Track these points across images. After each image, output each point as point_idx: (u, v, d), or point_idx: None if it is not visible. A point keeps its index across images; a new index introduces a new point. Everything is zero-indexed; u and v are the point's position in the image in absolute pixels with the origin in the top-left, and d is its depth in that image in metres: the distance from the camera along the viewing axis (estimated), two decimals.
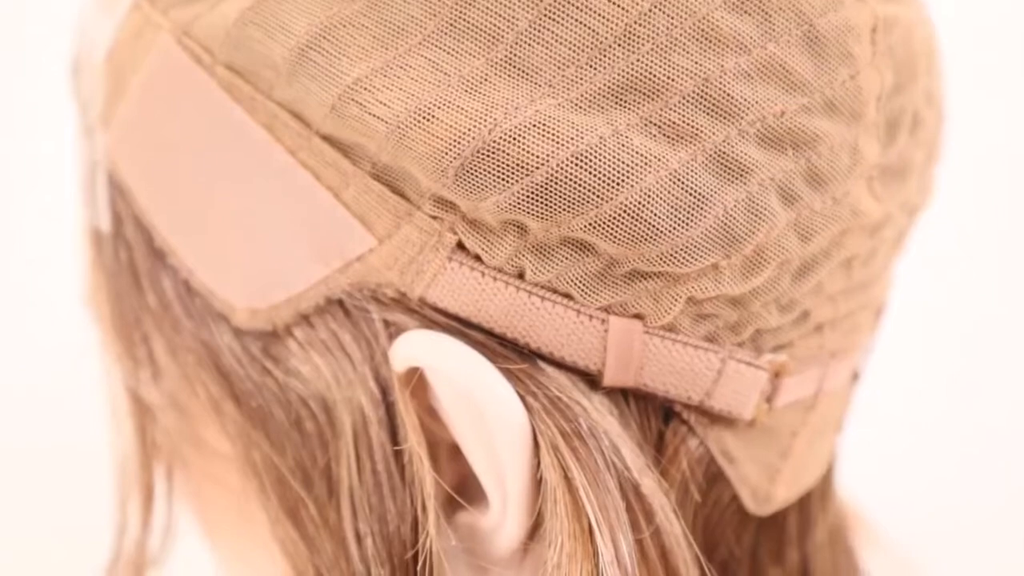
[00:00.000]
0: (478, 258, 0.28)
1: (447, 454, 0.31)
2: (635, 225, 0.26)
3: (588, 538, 0.27)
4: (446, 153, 0.26)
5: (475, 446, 0.29)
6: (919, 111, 0.31)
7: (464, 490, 0.31)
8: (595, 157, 0.26)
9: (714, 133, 0.26)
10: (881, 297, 0.34)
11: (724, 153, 0.27)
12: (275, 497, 0.31)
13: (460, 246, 0.28)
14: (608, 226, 0.27)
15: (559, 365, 0.29)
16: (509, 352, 0.29)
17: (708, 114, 0.26)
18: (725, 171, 0.27)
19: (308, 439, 0.31)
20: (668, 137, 0.26)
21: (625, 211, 0.26)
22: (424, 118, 0.27)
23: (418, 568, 0.29)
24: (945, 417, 0.70)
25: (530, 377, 0.28)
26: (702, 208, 0.27)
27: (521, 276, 0.28)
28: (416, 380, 0.29)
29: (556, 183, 0.26)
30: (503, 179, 0.26)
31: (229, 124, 0.30)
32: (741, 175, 0.27)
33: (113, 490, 0.37)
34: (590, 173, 0.26)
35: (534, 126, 0.26)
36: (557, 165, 0.26)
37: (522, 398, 0.28)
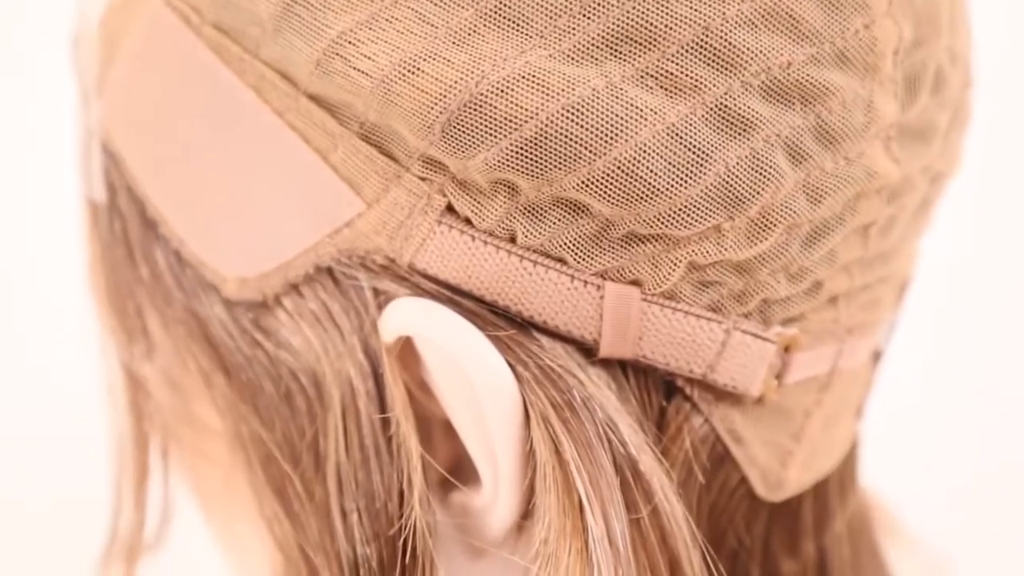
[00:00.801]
0: (468, 221, 0.27)
1: (441, 431, 0.30)
2: (630, 183, 0.25)
3: (578, 514, 0.25)
4: (432, 107, 0.25)
5: (465, 419, 0.28)
6: (942, 69, 0.29)
7: (459, 470, 0.30)
8: (587, 110, 0.25)
9: (715, 85, 0.25)
10: (904, 271, 0.32)
11: (726, 106, 0.25)
12: (261, 472, 0.30)
13: (450, 209, 0.27)
14: (602, 184, 0.25)
15: (554, 335, 0.28)
16: (501, 321, 0.27)
17: (709, 65, 0.25)
18: (727, 126, 0.25)
19: (297, 413, 0.30)
20: (666, 89, 0.25)
21: (619, 168, 0.25)
22: (409, 71, 0.25)
23: (406, 547, 0.28)
24: (979, 409, 0.68)
25: (521, 346, 0.27)
26: (702, 165, 0.25)
27: (513, 240, 0.27)
28: (407, 352, 0.28)
29: (546, 138, 0.25)
30: (491, 134, 0.25)
31: (217, 86, 0.29)
32: (744, 130, 0.25)
33: (110, 471, 0.36)
34: (582, 127, 0.25)
35: (523, 78, 0.25)
36: (547, 118, 0.25)
37: (512, 368, 0.27)
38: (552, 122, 0.25)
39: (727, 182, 0.25)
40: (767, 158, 0.26)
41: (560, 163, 0.25)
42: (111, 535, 0.36)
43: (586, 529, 0.25)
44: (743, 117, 0.25)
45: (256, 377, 0.31)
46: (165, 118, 0.31)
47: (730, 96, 0.25)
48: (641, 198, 0.25)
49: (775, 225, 0.26)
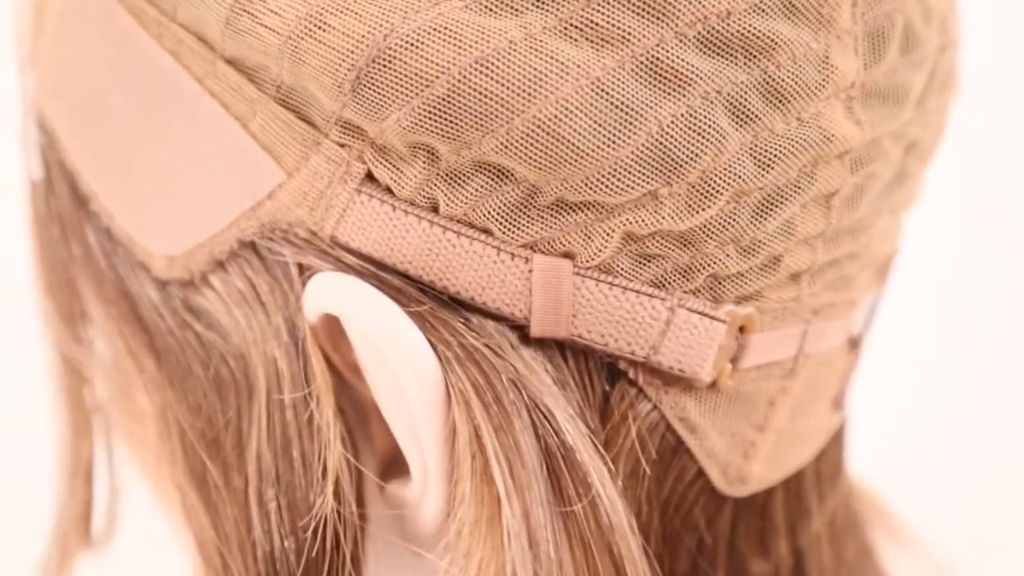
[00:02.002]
0: (389, 191, 0.25)
1: (378, 419, 0.28)
2: (552, 143, 0.23)
3: (496, 506, 0.23)
4: (340, 64, 0.24)
5: (390, 403, 0.26)
6: (913, 26, 0.26)
7: (398, 461, 0.28)
8: (502, 63, 0.23)
9: (645, 36, 0.23)
10: (880, 249, 0.30)
11: (658, 60, 0.23)
12: (184, 461, 0.29)
13: (370, 177, 0.25)
14: (522, 145, 0.23)
15: (485, 313, 0.26)
16: (428, 298, 0.25)
17: (638, 14, 0.23)
18: (659, 81, 0.23)
19: (225, 398, 0.28)
20: (591, 41, 0.23)
21: (540, 127, 0.23)
22: (316, 26, 0.24)
23: (325, 541, 0.26)
24: (982, 404, 0.65)
25: (444, 323, 0.25)
26: (632, 124, 0.23)
27: (435, 210, 0.25)
28: (337, 332, 0.26)
29: (459, 95, 0.23)
30: (402, 92, 0.23)
31: (138, 53, 0.28)
32: (679, 86, 0.23)
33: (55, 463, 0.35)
34: (496, 82, 0.23)
35: (435, 30, 0.23)
36: (459, 74, 0.23)
37: (434, 347, 0.25)
38: (464, 77, 0.23)
39: (661, 143, 0.23)
40: (706, 117, 0.23)
41: (476, 123, 0.23)
42: (56, 528, 0.35)
43: (503, 522, 0.23)
44: (677, 71, 0.23)
45: (186, 360, 0.29)
46: (90, 88, 0.29)
47: (662, 48, 0.23)
48: (566, 160, 0.23)
49: (719, 192, 0.24)
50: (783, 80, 0.24)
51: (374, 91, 0.24)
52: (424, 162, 0.24)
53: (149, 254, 0.29)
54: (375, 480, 0.27)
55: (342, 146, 0.25)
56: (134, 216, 0.30)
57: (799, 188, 0.25)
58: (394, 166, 0.25)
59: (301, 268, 0.27)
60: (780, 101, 0.24)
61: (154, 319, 0.30)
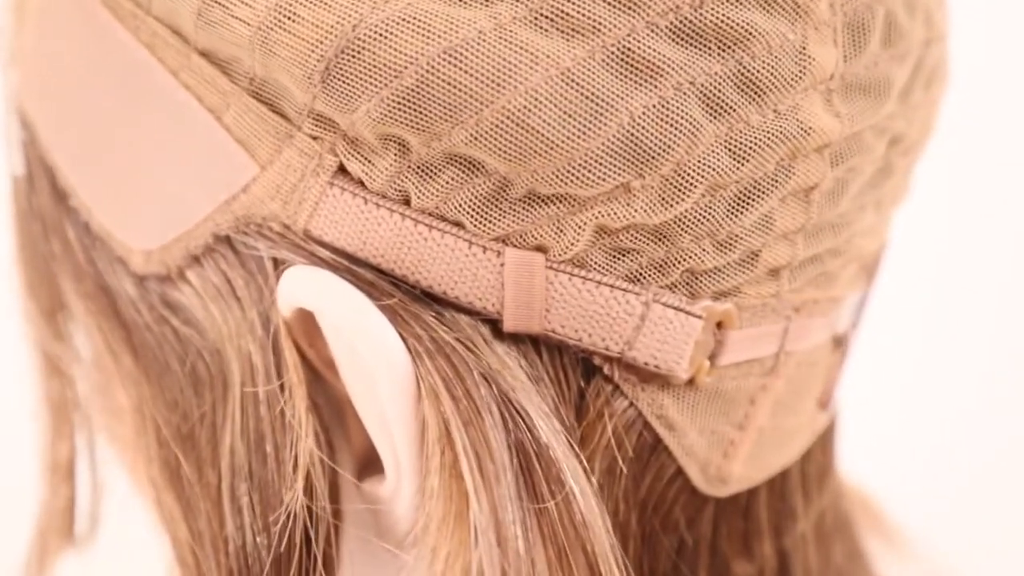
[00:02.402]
0: (361, 183, 0.25)
1: (355, 416, 0.28)
2: (522, 135, 0.23)
3: (465, 502, 0.23)
4: (310, 55, 0.23)
5: (363, 398, 0.26)
6: (895, 18, 0.26)
7: (375, 458, 0.28)
8: (471, 53, 0.22)
9: (616, 26, 0.23)
10: (865, 246, 0.29)
11: (629, 50, 0.23)
12: (159, 458, 0.28)
13: (343, 170, 0.25)
14: (492, 137, 0.23)
15: (458, 307, 0.25)
16: (401, 292, 0.25)
17: (609, 4, 0.23)
18: (630, 71, 0.23)
19: (201, 394, 0.28)
20: (562, 31, 0.23)
21: (509, 118, 0.23)
22: (286, 17, 0.24)
23: (295, 539, 0.26)
24: (979, 407, 0.64)
25: (416, 317, 0.25)
26: (602, 114, 0.23)
27: (407, 203, 0.25)
28: (312, 326, 0.26)
29: (428, 85, 0.23)
30: (371, 83, 0.23)
31: (114, 46, 0.28)
32: (651, 77, 0.23)
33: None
34: (465, 72, 0.22)
35: (404, 20, 0.23)
36: (427, 64, 0.22)
37: (405, 340, 0.24)
38: (433, 68, 0.22)
39: (633, 134, 0.23)
40: (679, 108, 0.23)
41: (445, 114, 0.23)
42: (35, 526, 0.35)
43: (471, 518, 0.23)
44: (649, 62, 0.23)
45: (163, 356, 0.29)
46: (68, 82, 0.29)
47: (634, 38, 0.23)
48: (536, 152, 0.23)
49: (693, 185, 0.24)
50: (758, 71, 0.24)
51: (344, 82, 0.23)
52: (395, 154, 0.24)
53: (127, 249, 0.29)
54: (350, 478, 0.27)
55: (314, 139, 0.25)
56: (111, 211, 0.29)
57: (777, 182, 0.25)
58: (366, 158, 0.25)
59: (276, 262, 0.27)
60: (756, 93, 0.24)
61: (132, 314, 0.30)
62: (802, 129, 0.24)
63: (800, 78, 0.24)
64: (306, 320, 0.26)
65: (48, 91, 0.30)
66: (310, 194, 0.25)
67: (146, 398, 0.29)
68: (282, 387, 0.26)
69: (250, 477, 0.27)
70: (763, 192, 0.25)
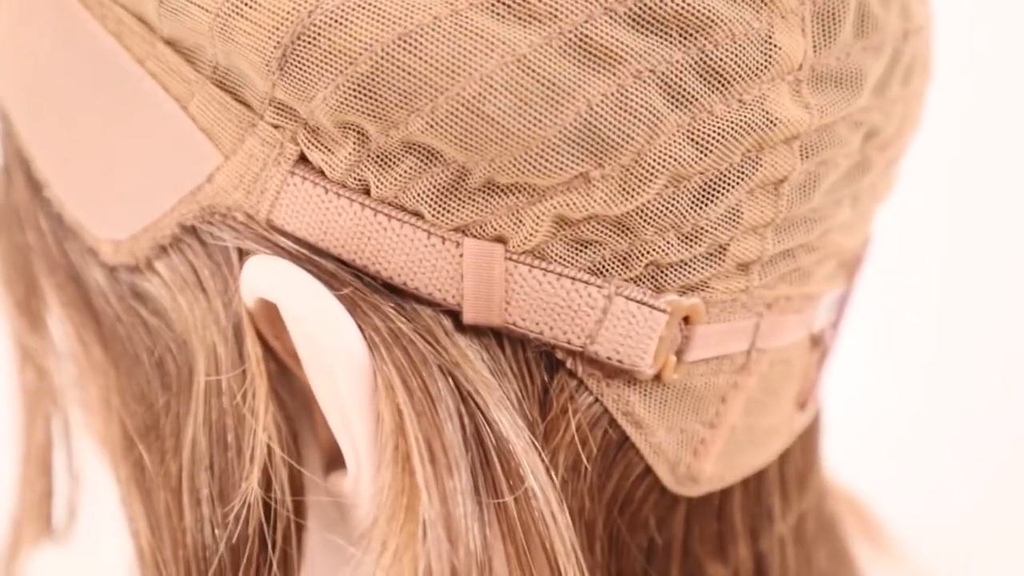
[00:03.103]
0: (322, 173, 0.25)
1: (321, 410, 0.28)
2: (478, 122, 0.22)
3: (416, 496, 0.23)
4: (267, 41, 0.23)
5: (323, 390, 0.25)
6: (869, 8, 0.25)
7: (341, 454, 0.28)
8: (425, 39, 0.22)
9: (573, 12, 0.22)
10: (843, 243, 0.29)
11: (586, 36, 0.22)
12: (121, 447, 0.28)
13: (304, 159, 0.25)
14: (448, 125, 0.23)
15: (420, 300, 0.25)
16: (360, 283, 0.25)
17: None
18: (588, 59, 0.22)
19: (167, 385, 0.28)
20: (518, 17, 0.22)
21: (464, 105, 0.22)
22: (244, 3, 0.23)
23: (248, 526, 0.25)
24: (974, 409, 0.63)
25: (375, 308, 0.24)
26: (558, 102, 0.22)
27: (367, 192, 0.24)
28: (277, 319, 0.26)
29: (383, 72, 0.22)
30: (328, 70, 0.23)
31: (82, 35, 0.28)
32: (609, 64, 0.22)
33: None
34: (419, 59, 0.22)
35: (359, 6, 0.22)
36: (382, 50, 0.22)
37: (363, 331, 0.24)
38: (388, 54, 0.22)
39: (590, 123, 0.22)
40: (638, 97, 0.23)
41: (401, 101, 0.23)
42: (12, 521, 0.35)
43: (420, 511, 0.22)
44: (607, 49, 0.22)
45: (132, 347, 0.29)
46: (39, 73, 0.29)
47: (591, 25, 0.22)
48: (492, 140, 0.22)
49: (655, 175, 0.23)
50: (722, 60, 0.23)
51: (301, 69, 0.23)
52: (355, 143, 0.24)
53: (97, 240, 0.29)
54: (310, 475, 0.27)
55: (276, 127, 0.25)
56: (82, 201, 0.29)
57: (744, 173, 0.24)
58: (326, 147, 0.24)
59: (241, 253, 0.26)
60: (719, 82, 0.23)
61: (103, 305, 0.30)
62: (768, 120, 0.24)
63: (766, 68, 0.24)
64: (271, 312, 0.26)
65: (20, 81, 0.30)
66: (272, 183, 0.25)
67: (113, 389, 0.29)
68: (243, 371, 0.26)
69: (211, 468, 0.26)
70: (729, 184, 0.24)
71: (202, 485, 0.26)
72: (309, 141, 0.24)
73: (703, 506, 0.29)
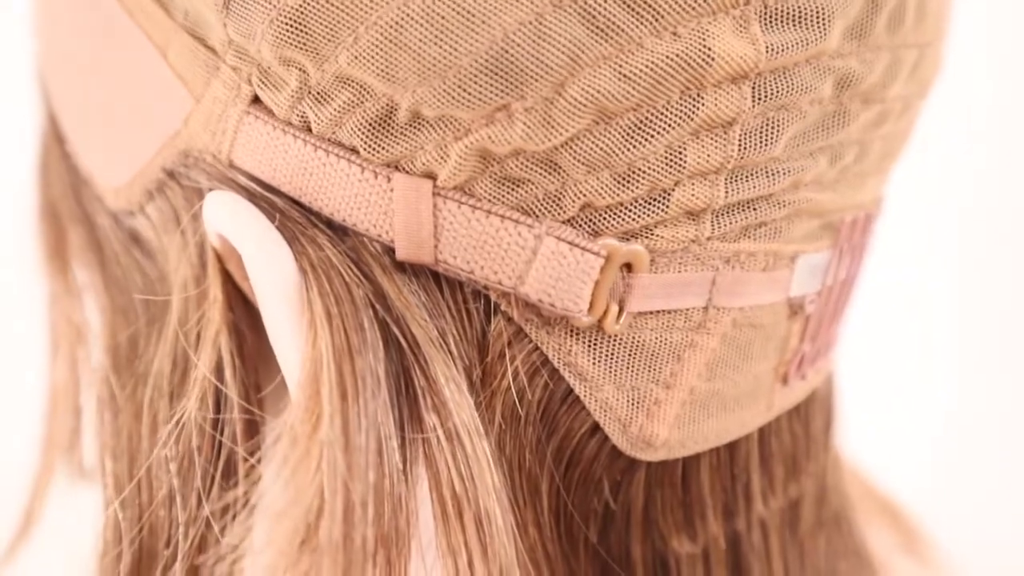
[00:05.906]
0: (271, 112, 0.26)
1: None
2: (398, 53, 0.23)
3: (320, 420, 0.23)
4: None
5: (269, 321, 0.26)
6: None
7: None
8: None
9: None
10: (824, 203, 0.27)
11: None
12: (109, 376, 0.30)
13: (257, 100, 0.26)
14: (372, 56, 0.23)
15: (362, 237, 0.25)
16: (304, 219, 0.25)
17: None
18: None
19: (151, 321, 0.30)
20: None
21: (384, 35, 0.23)
22: None
23: (194, 445, 0.26)
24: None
25: (312, 241, 0.25)
26: (474, 30, 0.22)
27: (309, 129, 0.25)
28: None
29: (309, 6, 0.23)
30: (263, 5, 0.24)
31: None
32: None
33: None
34: None
35: None
36: None
37: (298, 260, 0.25)
38: None
39: (507, 52, 0.22)
40: (556, 25, 0.22)
41: (327, 34, 0.23)
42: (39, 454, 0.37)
43: (321, 433, 0.23)
44: None
45: (128, 289, 0.31)
46: (58, 32, 0.32)
47: None
48: (412, 70, 0.23)
49: (579, 109, 0.23)
50: None
51: (241, 6, 0.24)
52: (297, 81, 0.25)
53: (103, 188, 0.31)
54: (260, 413, 0.27)
55: (235, 70, 0.26)
56: (89, 151, 0.31)
57: (683, 112, 0.23)
58: (274, 86, 0.25)
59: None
60: (649, 13, 0.22)
61: (111, 253, 0.32)
62: (706, 55, 0.23)
63: (704, 0, 0.23)
64: (237, 252, 0.27)
65: (47, 42, 0.33)
66: (230, 124, 0.26)
67: (107, 326, 0.31)
68: (203, 291, 0.27)
69: (169, 396, 0.27)
70: (666, 122, 0.23)
71: (159, 409, 0.27)
72: (261, 81, 0.25)
73: (664, 473, 0.28)
